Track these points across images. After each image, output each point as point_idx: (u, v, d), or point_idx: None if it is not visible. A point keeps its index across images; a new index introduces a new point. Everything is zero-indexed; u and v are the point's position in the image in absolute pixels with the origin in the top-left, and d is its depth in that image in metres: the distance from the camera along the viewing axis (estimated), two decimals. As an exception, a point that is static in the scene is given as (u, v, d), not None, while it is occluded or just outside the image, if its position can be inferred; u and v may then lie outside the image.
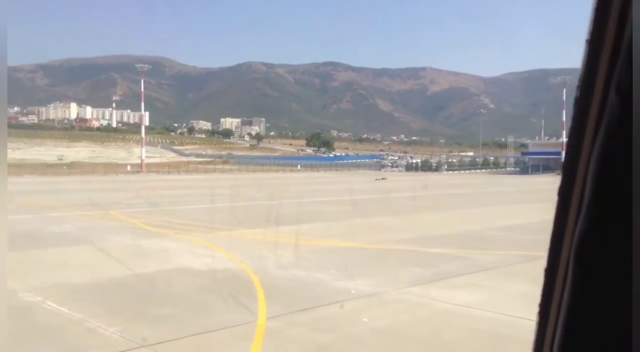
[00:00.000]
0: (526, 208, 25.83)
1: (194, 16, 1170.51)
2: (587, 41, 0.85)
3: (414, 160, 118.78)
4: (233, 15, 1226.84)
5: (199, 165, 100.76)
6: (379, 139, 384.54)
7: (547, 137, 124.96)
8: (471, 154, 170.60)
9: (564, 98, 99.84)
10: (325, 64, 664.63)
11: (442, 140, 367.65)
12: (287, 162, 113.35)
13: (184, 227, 17.51)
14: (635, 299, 0.80)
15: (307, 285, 9.71)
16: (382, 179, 61.69)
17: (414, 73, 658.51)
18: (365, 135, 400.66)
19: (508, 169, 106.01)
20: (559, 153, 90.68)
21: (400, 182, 54.27)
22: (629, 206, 0.78)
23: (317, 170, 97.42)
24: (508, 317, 7.74)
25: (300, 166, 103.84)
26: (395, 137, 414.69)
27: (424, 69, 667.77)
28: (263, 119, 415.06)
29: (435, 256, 12.84)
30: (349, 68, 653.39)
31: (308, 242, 14.45)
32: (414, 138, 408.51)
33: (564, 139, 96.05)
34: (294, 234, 15.36)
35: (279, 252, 12.95)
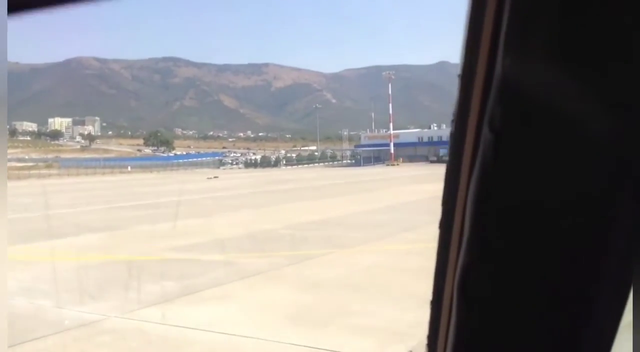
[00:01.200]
0: (337, 202, 26.18)
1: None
2: (458, 76, 0.86)
3: (254, 157, 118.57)
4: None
5: (19, 171, 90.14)
6: (225, 136, 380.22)
7: (384, 130, 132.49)
8: (313, 148, 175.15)
9: (390, 92, 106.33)
10: (165, 59, 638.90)
11: (288, 136, 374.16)
12: (118, 164, 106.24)
13: None
14: (518, 331, 0.82)
15: (17, 317, 8.05)
16: (214, 177, 60.06)
17: (257, 69, 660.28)
18: (211, 133, 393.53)
19: (345, 161, 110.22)
20: (387, 144, 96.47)
21: (231, 180, 53.18)
22: (507, 241, 0.80)
23: (151, 172, 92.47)
24: (230, 337, 6.92)
25: (131, 167, 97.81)
26: (242, 134, 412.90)
27: (266, 65, 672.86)
28: (97, 118, 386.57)
29: (205, 264, 11.80)
30: (190, 64, 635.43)
31: (67, 258, 12.62)
32: (260, 134, 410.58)
33: (391, 130, 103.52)
34: (57, 248, 13.44)
35: (19, 274, 10.98)
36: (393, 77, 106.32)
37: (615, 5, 0.69)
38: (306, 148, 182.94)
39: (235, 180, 52.56)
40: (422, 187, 28.38)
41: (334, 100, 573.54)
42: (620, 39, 0.70)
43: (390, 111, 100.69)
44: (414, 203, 24.11)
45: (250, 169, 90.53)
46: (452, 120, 0.88)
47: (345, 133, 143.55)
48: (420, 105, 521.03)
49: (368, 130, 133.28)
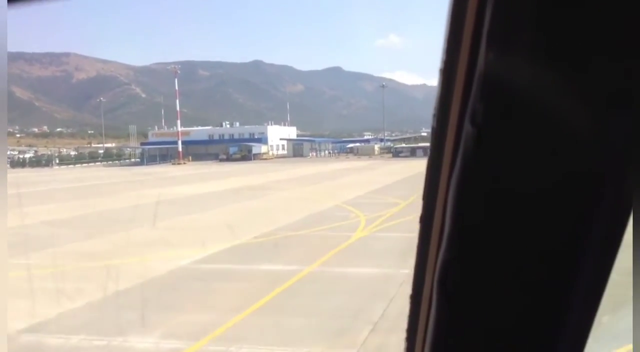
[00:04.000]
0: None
1: None
2: (440, 70, 0.85)
3: (25, 156, 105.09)
4: None
5: None
6: (16, 131, 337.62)
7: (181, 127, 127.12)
8: (111, 145, 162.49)
9: (176, 87, 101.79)
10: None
11: (90, 131, 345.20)
12: None
13: None
14: (497, 326, 0.83)
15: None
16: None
17: (55, 58, 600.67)
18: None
19: (131, 160, 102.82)
20: (176, 142, 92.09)
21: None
22: (487, 236, 0.80)
23: None
24: None
25: None
26: (36, 129, 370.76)
27: (67, 54, 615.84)
28: None
29: None
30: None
31: None
32: (58, 129, 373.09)
33: (179, 127, 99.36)
34: None
35: None
36: (179, 71, 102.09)
37: (596, 1, 0.69)
38: (100, 145, 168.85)
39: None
40: (152, 192, 25.71)
41: (143, 95, 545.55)
42: (601, 35, 0.70)
43: (178, 107, 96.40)
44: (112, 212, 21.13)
45: (17, 169, 79.17)
46: (434, 115, 0.87)
47: (133, 130, 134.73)
48: (235, 102, 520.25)
49: (157, 127, 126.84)
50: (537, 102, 0.73)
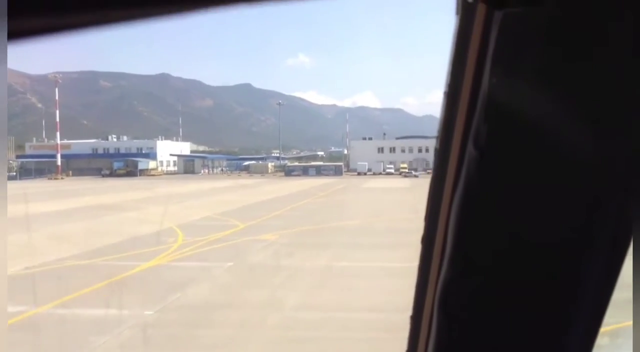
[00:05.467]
0: None
1: None
2: (444, 93, 0.87)
3: None
4: None
5: None
6: None
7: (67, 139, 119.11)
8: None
9: (57, 97, 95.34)
10: None
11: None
12: None
13: None
14: (497, 343, 0.83)
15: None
16: None
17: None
18: None
19: (10, 174, 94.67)
20: (54, 155, 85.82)
21: None
22: (489, 256, 0.80)
23: None
24: None
25: None
26: None
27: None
28: None
29: None
30: None
31: None
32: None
33: (58, 140, 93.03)
34: None
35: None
36: (60, 80, 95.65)
37: (599, 32, 0.70)
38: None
39: None
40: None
41: (39, 105, 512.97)
42: (602, 64, 0.71)
43: (57, 118, 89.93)
44: None
45: None
46: (437, 137, 0.88)
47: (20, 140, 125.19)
48: (140, 115, 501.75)
49: (35, 139, 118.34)
50: (539, 125, 0.73)
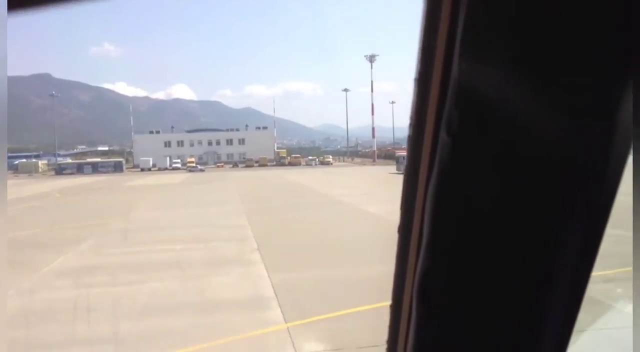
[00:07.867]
0: None
1: None
2: (415, 80, 0.86)
3: None
4: None
5: None
6: None
7: None
8: None
9: None
10: None
11: None
12: None
13: None
14: (477, 335, 0.83)
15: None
16: None
17: None
18: None
19: None
20: None
21: None
22: (465, 244, 0.80)
23: None
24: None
25: None
26: None
27: None
28: None
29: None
30: None
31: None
32: None
33: None
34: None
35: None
36: None
37: (568, 13, 0.70)
38: None
39: None
40: None
41: None
42: (572, 46, 0.70)
43: None
44: None
45: None
46: (410, 124, 0.88)
47: None
48: None
49: None
50: (511, 110, 0.73)
